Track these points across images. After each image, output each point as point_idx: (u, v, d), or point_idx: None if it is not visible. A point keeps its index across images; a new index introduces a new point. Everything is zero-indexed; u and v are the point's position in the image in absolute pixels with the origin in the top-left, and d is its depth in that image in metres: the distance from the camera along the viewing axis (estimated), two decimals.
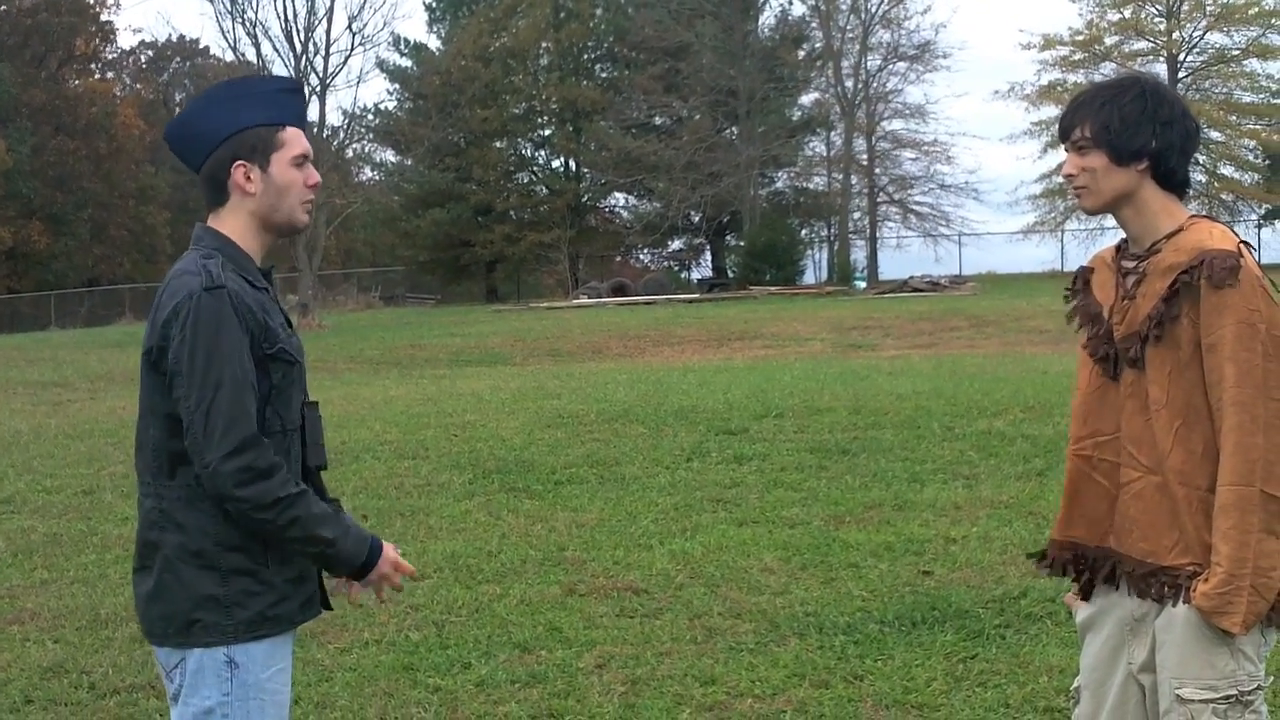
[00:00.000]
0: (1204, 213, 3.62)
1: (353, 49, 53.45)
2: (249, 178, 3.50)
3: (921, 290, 42.25)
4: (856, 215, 58.93)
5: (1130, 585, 3.58)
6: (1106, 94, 3.56)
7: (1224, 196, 54.73)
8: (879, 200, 58.63)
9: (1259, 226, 57.49)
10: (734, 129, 57.48)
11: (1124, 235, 3.67)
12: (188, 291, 3.36)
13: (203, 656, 3.41)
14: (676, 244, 63.28)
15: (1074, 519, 3.71)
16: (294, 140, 3.55)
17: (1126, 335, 3.54)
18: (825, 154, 60.74)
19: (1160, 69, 54.29)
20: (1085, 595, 3.75)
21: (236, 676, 3.41)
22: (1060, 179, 49.21)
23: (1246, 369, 3.33)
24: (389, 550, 3.63)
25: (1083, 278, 3.79)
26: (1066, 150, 3.61)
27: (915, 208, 58.78)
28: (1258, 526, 3.32)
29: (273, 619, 3.45)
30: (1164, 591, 3.48)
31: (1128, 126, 3.49)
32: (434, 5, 64.16)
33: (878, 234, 58.83)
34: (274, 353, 3.43)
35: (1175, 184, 3.57)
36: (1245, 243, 3.50)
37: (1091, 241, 55.24)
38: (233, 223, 3.53)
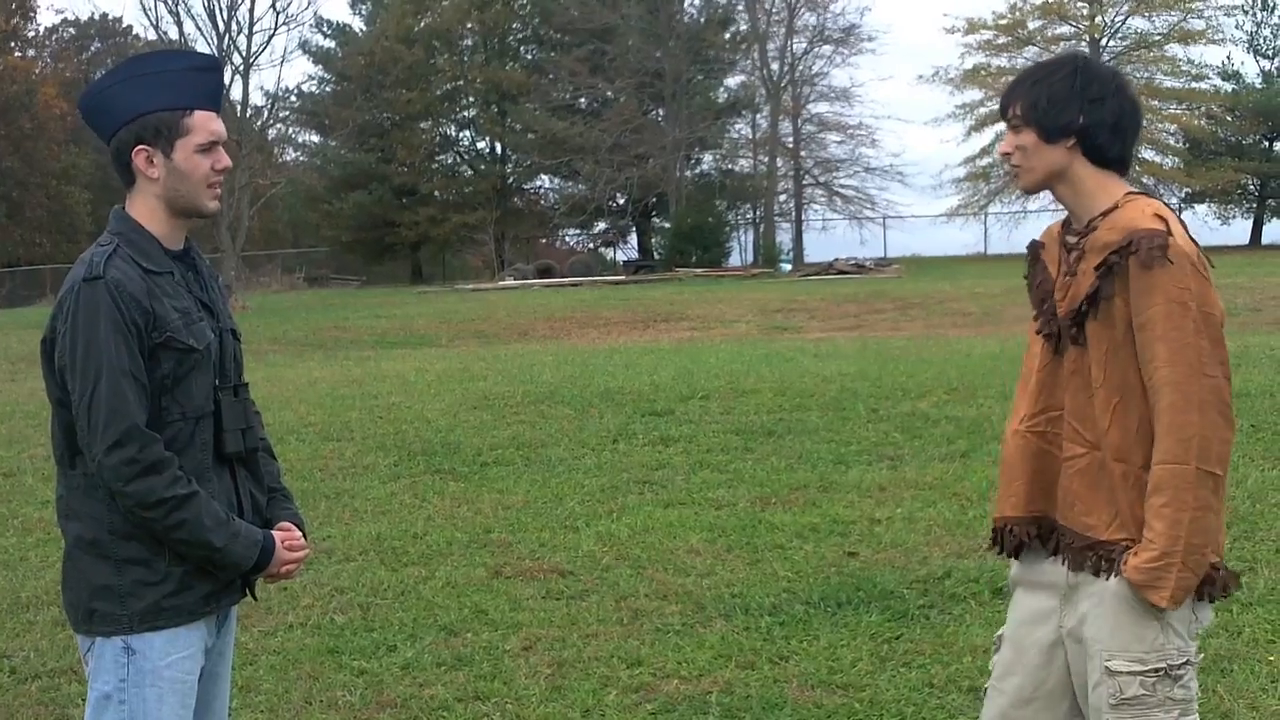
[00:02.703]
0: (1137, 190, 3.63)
1: (276, 28, 52.86)
2: (151, 162, 3.45)
3: (847, 272, 42.48)
4: (782, 198, 59.26)
5: (1068, 557, 3.61)
6: (1040, 73, 3.61)
7: (1145, 180, 55.30)
8: (804, 183, 59.02)
9: (1179, 210, 58.03)
10: (660, 111, 57.56)
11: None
12: (70, 284, 3.36)
13: (103, 644, 3.42)
14: (602, 226, 63.22)
15: (1035, 495, 3.70)
16: (201, 126, 3.47)
17: (1068, 312, 3.56)
18: (751, 136, 61.04)
19: None
20: (1016, 554, 3.78)
21: (133, 663, 3.40)
22: (983, 162, 49.31)
23: (1178, 347, 3.36)
24: (280, 552, 3.58)
25: (1034, 253, 3.81)
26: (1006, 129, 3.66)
27: (840, 190, 59.29)
28: (1192, 504, 3.35)
29: (170, 610, 3.42)
30: (1099, 565, 3.51)
31: (1054, 104, 3.53)
32: None
33: (803, 216, 59.38)
34: (162, 341, 3.38)
35: (1108, 160, 3.59)
36: (1180, 219, 3.51)
37: (1014, 225, 55.96)
38: (141, 206, 3.50)
